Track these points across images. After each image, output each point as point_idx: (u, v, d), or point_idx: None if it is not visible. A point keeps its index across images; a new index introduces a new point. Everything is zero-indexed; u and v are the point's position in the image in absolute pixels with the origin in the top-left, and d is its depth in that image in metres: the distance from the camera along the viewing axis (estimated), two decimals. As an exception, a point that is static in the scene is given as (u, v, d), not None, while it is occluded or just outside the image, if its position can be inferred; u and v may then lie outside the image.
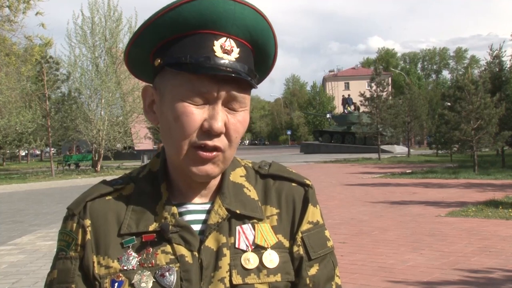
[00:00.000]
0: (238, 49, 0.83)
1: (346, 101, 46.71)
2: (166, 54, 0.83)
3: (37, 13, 21.41)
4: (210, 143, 0.82)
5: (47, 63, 32.06)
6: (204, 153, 0.83)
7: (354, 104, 44.34)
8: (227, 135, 0.84)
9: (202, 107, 0.82)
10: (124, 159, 38.93)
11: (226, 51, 0.81)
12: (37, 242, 7.93)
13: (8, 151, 37.17)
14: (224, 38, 0.81)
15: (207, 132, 0.82)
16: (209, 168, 0.84)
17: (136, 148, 38.00)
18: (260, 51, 0.88)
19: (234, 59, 0.82)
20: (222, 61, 0.80)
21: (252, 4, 0.82)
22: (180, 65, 0.80)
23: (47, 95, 25.39)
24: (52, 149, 34.74)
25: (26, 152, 52.36)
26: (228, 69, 0.80)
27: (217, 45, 0.81)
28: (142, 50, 0.87)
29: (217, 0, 0.79)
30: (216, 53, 0.80)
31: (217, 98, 0.81)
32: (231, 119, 0.83)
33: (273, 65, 0.94)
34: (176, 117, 0.82)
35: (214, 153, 0.83)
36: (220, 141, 0.83)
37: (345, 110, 46.48)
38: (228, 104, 0.83)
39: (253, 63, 0.87)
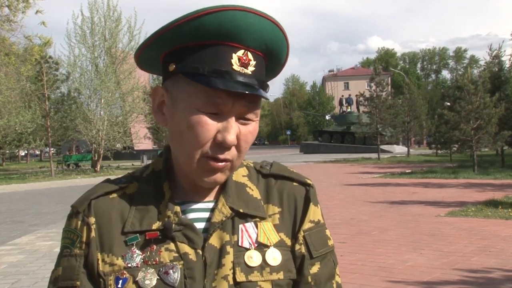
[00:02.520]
0: (255, 62, 0.84)
1: (347, 101, 46.77)
2: (182, 61, 0.83)
3: (37, 12, 21.42)
4: (221, 156, 0.84)
5: (46, 63, 32.01)
6: (215, 164, 0.84)
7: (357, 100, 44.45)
8: (238, 146, 0.85)
9: (216, 117, 0.83)
10: (124, 159, 38.92)
11: (243, 64, 0.82)
12: (37, 242, 7.93)
13: (7, 151, 37.17)
14: (242, 51, 0.82)
15: (220, 144, 0.83)
16: (218, 176, 0.86)
17: (135, 148, 37.98)
18: (272, 59, 0.89)
19: (250, 73, 0.83)
20: (239, 77, 0.81)
21: (271, 17, 0.82)
22: (197, 76, 0.81)
23: (46, 95, 25.37)
24: (52, 149, 34.72)
25: (26, 152, 52.35)
26: (243, 85, 0.81)
27: (234, 57, 0.82)
28: (157, 51, 0.88)
29: (238, 13, 0.79)
30: (233, 66, 0.81)
31: (231, 111, 0.83)
32: (243, 130, 0.85)
33: (282, 70, 0.96)
34: (190, 126, 0.83)
35: (224, 163, 0.85)
36: (230, 154, 0.85)
37: (344, 109, 46.52)
38: (242, 116, 0.84)
39: (265, 74, 0.88)
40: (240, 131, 0.84)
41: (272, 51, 0.86)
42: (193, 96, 0.82)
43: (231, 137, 0.82)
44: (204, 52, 0.82)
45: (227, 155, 0.84)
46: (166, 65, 0.87)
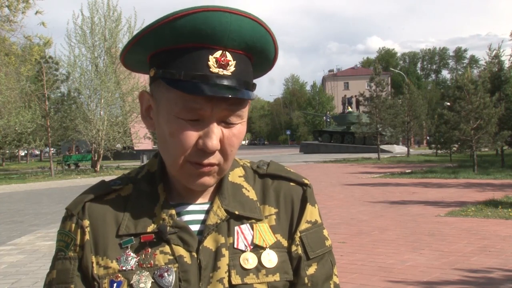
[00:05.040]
0: (234, 62, 0.81)
1: (349, 101, 46.82)
2: (161, 66, 0.82)
3: (36, 12, 21.45)
4: (205, 161, 0.82)
5: (46, 63, 32.01)
6: (200, 168, 0.83)
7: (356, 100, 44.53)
8: (222, 150, 0.83)
9: (197, 123, 0.81)
10: (124, 159, 38.91)
11: (221, 65, 0.80)
12: (37, 242, 7.92)
13: (7, 151, 37.13)
14: (220, 52, 0.80)
15: (202, 149, 0.81)
16: (205, 180, 0.85)
17: (135, 148, 37.98)
18: (259, 56, 0.86)
19: (230, 73, 0.80)
20: (218, 80, 0.79)
21: (249, 14, 0.80)
22: (175, 82, 0.79)
23: (46, 95, 25.37)
24: (52, 149, 34.70)
25: (26, 152, 52.33)
26: (224, 88, 0.79)
27: (212, 60, 0.79)
28: (137, 56, 0.87)
29: (212, 13, 0.77)
30: (211, 69, 0.79)
31: (211, 115, 0.80)
32: (227, 133, 0.82)
33: (273, 66, 0.93)
34: (171, 133, 0.82)
35: (209, 167, 0.83)
36: (215, 158, 0.83)
37: (346, 109, 46.54)
38: (224, 119, 0.82)
39: (251, 72, 0.85)
40: (223, 134, 0.82)
41: (255, 49, 0.83)
42: (172, 102, 0.81)
43: (212, 143, 0.80)
44: (181, 56, 0.80)
45: (211, 159, 0.82)
46: (149, 70, 0.85)
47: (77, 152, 42.11)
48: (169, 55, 0.81)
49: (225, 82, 0.79)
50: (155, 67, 0.83)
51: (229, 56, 0.80)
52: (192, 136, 0.81)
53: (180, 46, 0.80)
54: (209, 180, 0.85)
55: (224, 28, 0.78)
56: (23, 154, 56.09)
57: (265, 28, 0.82)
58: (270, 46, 0.86)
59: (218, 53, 0.80)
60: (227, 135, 0.83)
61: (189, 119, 0.80)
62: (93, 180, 19.53)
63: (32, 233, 8.78)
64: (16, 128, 23.21)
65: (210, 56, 0.79)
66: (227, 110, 0.81)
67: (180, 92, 0.79)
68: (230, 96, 0.78)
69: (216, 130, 0.81)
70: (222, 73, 0.79)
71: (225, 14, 0.77)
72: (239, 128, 0.84)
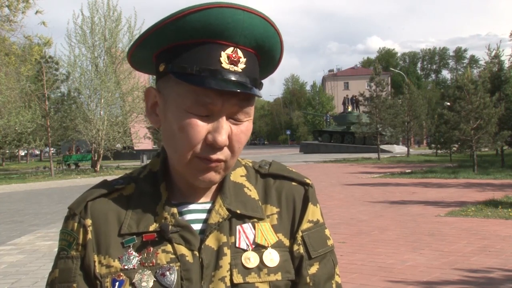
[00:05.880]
0: (245, 59, 0.82)
1: (350, 101, 46.82)
2: (171, 61, 0.82)
3: (36, 12, 21.46)
4: (213, 156, 0.83)
5: (46, 63, 32.00)
6: (207, 164, 0.83)
7: (355, 100, 44.56)
8: (230, 146, 0.84)
9: (207, 118, 0.81)
10: (124, 159, 38.91)
11: (233, 62, 0.81)
12: (37, 242, 7.93)
13: (7, 151, 37.14)
14: (232, 48, 0.81)
15: (211, 144, 0.82)
16: (211, 175, 0.85)
17: (135, 148, 37.99)
18: (265, 55, 0.87)
19: (241, 70, 0.81)
20: (228, 75, 0.80)
21: (260, 13, 0.81)
22: (186, 76, 0.80)
23: (46, 95, 25.36)
24: (52, 149, 34.68)
25: (26, 152, 52.34)
26: (234, 83, 0.80)
27: (224, 55, 0.80)
28: (146, 52, 0.87)
29: (225, 10, 0.78)
30: (222, 65, 0.80)
31: (221, 110, 0.81)
32: (235, 129, 0.83)
33: (276, 68, 0.94)
34: (180, 128, 0.82)
35: (217, 163, 0.84)
36: (223, 154, 0.83)
37: (346, 109, 46.56)
38: (233, 115, 0.83)
39: (258, 71, 0.87)
40: (232, 131, 0.83)
41: (263, 48, 0.85)
42: (182, 96, 0.81)
43: (221, 138, 0.81)
44: (192, 51, 0.81)
45: (219, 155, 0.83)
46: (157, 66, 0.86)
47: (77, 152, 42.12)
48: (181, 50, 0.82)
49: (236, 78, 0.80)
50: (164, 62, 0.84)
51: (240, 53, 0.81)
52: (201, 130, 0.81)
53: (192, 41, 0.81)
54: (215, 176, 0.86)
55: (237, 25, 0.79)
56: (23, 154, 56.10)
57: (274, 29, 0.84)
58: (277, 47, 0.87)
59: (229, 50, 0.81)
60: (236, 132, 0.83)
61: (200, 114, 0.81)
62: (93, 180, 19.54)
63: (32, 233, 8.78)
64: (16, 128, 23.19)
65: (222, 52, 0.80)
66: (237, 106, 0.82)
67: (191, 86, 0.80)
68: (239, 90, 0.79)
69: (226, 126, 0.82)
70: (233, 69, 0.80)
71: (238, 11, 0.78)
72: (247, 125, 0.85)
